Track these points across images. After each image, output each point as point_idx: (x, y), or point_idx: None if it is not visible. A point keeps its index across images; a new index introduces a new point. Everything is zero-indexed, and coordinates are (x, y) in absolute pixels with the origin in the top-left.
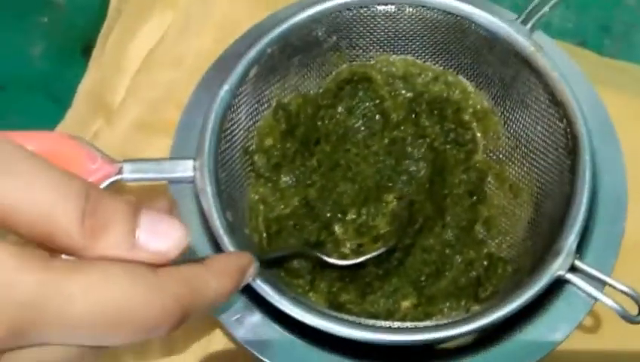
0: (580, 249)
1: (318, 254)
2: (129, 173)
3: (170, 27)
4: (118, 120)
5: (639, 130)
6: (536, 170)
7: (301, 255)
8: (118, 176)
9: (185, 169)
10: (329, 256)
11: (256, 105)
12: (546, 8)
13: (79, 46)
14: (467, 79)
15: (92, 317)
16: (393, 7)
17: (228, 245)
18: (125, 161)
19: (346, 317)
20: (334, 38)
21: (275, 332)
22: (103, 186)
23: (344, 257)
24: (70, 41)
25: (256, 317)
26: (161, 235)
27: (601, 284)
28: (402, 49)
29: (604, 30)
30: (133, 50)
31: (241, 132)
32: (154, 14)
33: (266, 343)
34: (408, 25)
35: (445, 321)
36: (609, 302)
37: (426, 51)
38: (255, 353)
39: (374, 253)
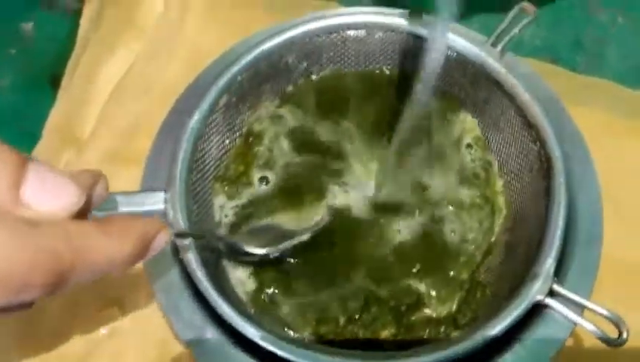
0: (558, 272)
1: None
2: (99, 210)
3: (139, 56)
4: (88, 151)
5: (611, 145)
6: (511, 192)
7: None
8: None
9: (155, 201)
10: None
11: (227, 134)
12: (516, 30)
13: (48, 77)
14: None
15: None
16: (363, 31)
17: (201, 277)
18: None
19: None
20: (305, 64)
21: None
22: None
23: None
24: (38, 72)
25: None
26: (48, 194)
27: (580, 308)
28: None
29: (576, 46)
30: (102, 79)
31: (213, 161)
32: (122, 44)
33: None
34: (378, 49)
35: (425, 348)
36: (589, 326)
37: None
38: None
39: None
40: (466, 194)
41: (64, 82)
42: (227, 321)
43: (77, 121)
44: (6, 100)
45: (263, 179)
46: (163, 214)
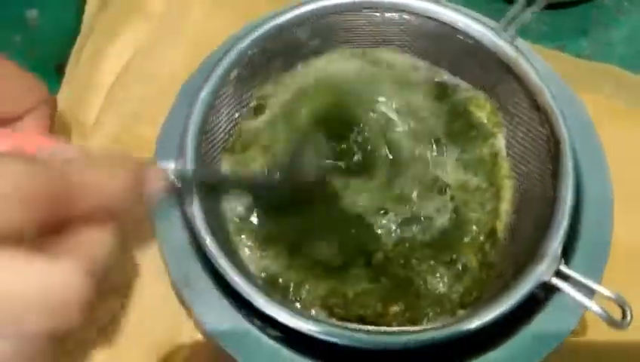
0: (568, 255)
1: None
2: None
3: (144, 42)
4: (92, 137)
5: (615, 130)
6: (517, 175)
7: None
8: None
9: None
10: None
11: (237, 107)
12: (527, 15)
13: (53, 64)
14: None
15: None
16: (377, 12)
17: (212, 249)
18: None
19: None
20: (317, 41)
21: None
22: None
23: None
24: (43, 59)
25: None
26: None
27: (588, 291)
28: None
29: (582, 32)
30: (107, 66)
31: (222, 134)
32: (127, 30)
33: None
34: (392, 30)
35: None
36: (594, 307)
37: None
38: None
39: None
40: (471, 176)
41: (69, 68)
42: (260, 310)
43: (82, 107)
44: None
45: (270, 152)
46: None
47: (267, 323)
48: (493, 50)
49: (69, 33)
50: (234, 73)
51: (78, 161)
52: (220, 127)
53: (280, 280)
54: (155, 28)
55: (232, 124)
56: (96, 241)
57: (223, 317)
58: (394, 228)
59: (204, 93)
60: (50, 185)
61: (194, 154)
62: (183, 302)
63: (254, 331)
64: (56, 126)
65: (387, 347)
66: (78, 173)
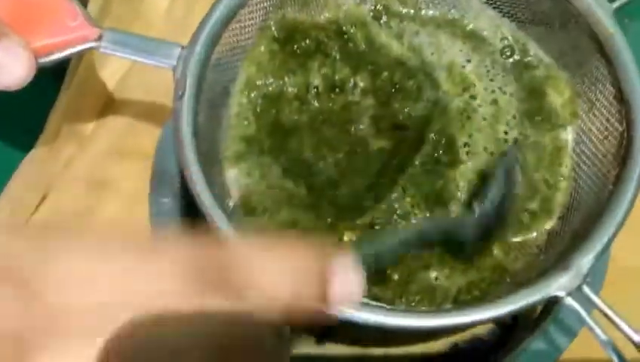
0: None
1: None
2: (107, 42)
3: None
4: (91, 145)
5: None
6: (576, 176)
7: None
8: (95, 44)
9: (169, 55)
10: None
11: (261, 24)
12: None
13: (50, 70)
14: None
15: None
16: None
17: (188, 145)
18: (107, 29)
19: None
20: None
21: None
22: (75, 51)
23: None
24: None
25: None
26: None
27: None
28: None
29: None
30: (106, 73)
31: (240, 49)
32: None
33: None
34: None
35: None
36: (602, 336)
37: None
38: None
39: None
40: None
41: (67, 76)
42: None
43: (80, 115)
44: (8, 94)
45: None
46: (171, 70)
47: None
48: (587, 19)
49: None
50: None
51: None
52: (241, 38)
53: None
54: (156, 35)
55: (250, 41)
56: None
57: None
58: None
59: None
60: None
61: (206, 46)
62: None
63: None
64: (54, 132)
65: None
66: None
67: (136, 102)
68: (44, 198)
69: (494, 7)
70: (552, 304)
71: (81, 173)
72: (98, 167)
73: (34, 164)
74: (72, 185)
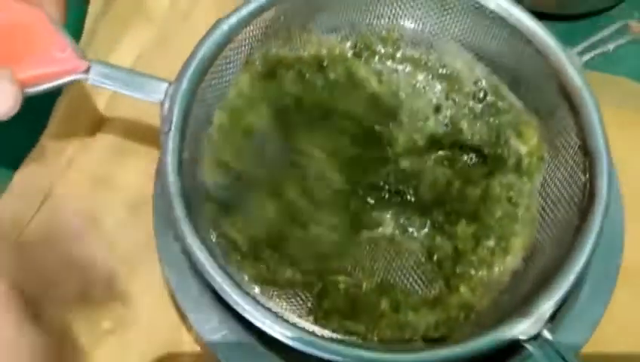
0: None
1: None
2: (95, 75)
3: (146, 47)
4: (94, 142)
5: (623, 142)
6: (541, 220)
7: None
8: (83, 76)
9: (156, 90)
10: None
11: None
12: (610, 47)
13: None
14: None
15: None
16: None
17: (173, 182)
18: (95, 61)
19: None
20: None
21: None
22: (62, 82)
23: None
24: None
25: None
26: None
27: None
28: None
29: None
30: None
31: (226, 82)
32: (130, 33)
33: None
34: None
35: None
36: None
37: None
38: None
39: None
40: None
41: None
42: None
43: (83, 112)
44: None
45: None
46: (159, 106)
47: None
48: (559, 71)
49: (71, 37)
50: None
51: None
52: (229, 72)
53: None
54: (158, 31)
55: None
56: None
57: (219, 326)
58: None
59: (224, 25)
60: None
61: (192, 82)
62: (180, 311)
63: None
64: (57, 129)
65: None
66: None
67: (139, 101)
68: (46, 198)
69: (470, 51)
70: (518, 348)
71: (83, 170)
72: (101, 163)
73: (36, 163)
74: (75, 184)
